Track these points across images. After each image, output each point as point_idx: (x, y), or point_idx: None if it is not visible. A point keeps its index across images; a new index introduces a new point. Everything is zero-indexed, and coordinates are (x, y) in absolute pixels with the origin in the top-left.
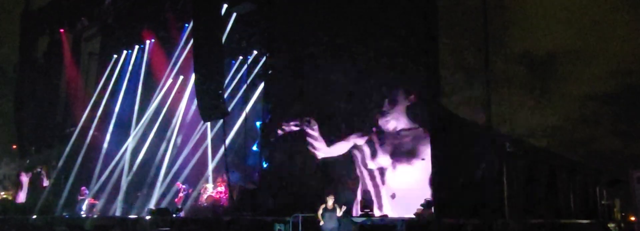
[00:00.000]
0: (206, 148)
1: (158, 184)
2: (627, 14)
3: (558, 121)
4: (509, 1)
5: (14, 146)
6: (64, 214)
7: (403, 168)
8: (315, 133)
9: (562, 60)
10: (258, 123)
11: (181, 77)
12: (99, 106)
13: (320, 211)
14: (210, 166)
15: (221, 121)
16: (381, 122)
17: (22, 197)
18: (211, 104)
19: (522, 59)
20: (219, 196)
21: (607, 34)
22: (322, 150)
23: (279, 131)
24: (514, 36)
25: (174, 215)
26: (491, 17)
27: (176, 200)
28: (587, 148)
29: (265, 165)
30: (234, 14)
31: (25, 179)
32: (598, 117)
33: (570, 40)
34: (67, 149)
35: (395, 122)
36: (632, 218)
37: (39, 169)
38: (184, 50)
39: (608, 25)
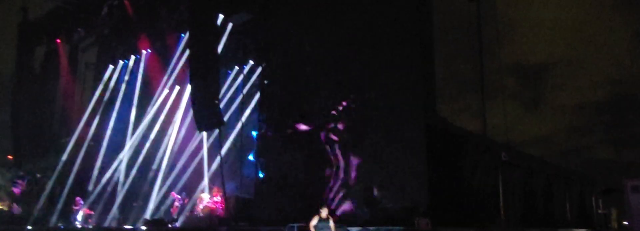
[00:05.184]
0: (202, 158)
1: (154, 194)
2: (616, 25)
3: (552, 131)
4: (501, 14)
5: (10, 157)
6: (59, 224)
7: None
8: None
9: (553, 70)
10: (254, 133)
11: (177, 87)
12: (95, 116)
13: (313, 222)
14: (206, 176)
15: (217, 131)
16: None
17: (16, 208)
18: (207, 114)
19: (515, 70)
20: (215, 206)
21: (597, 45)
22: None
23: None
24: (506, 47)
25: (170, 225)
26: (485, 29)
27: (172, 209)
28: (581, 156)
29: (261, 175)
30: (230, 24)
31: (17, 190)
32: (591, 126)
33: (561, 51)
34: (63, 159)
35: None
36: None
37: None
38: (180, 60)
39: (598, 36)
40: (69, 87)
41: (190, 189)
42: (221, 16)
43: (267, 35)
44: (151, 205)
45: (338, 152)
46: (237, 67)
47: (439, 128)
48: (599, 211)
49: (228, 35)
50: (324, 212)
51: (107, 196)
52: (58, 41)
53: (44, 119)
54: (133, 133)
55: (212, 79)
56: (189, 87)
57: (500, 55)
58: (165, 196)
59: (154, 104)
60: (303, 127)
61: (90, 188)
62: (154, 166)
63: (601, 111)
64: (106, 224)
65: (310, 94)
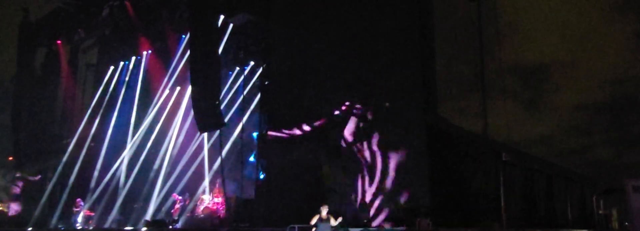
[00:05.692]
0: (203, 159)
1: (155, 195)
2: (616, 26)
3: (552, 131)
4: (501, 14)
5: (10, 158)
6: (60, 226)
7: None
8: None
9: (553, 71)
10: (255, 134)
11: (178, 88)
12: (96, 118)
13: (313, 222)
14: (207, 177)
15: (218, 131)
16: None
17: (14, 209)
18: (208, 115)
19: (515, 70)
20: (216, 207)
21: (597, 45)
22: None
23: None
24: (506, 48)
25: (170, 226)
26: (485, 29)
27: (173, 211)
28: (581, 156)
29: (261, 176)
30: (231, 25)
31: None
32: (591, 126)
33: (561, 51)
34: (64, 160)
35: None
36: None
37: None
38: (181, 61)
39: (598, 37)
40: (70, 88)
41: (191, 190)
42: (222, 17)
43: (267, 36)
44: (152, 206)
45: (339, 153)
46: (237, 68)
47: (439, 128)
48: (600, 211)
49: (229, 36)
50: (324, 212)
51: (107, 197)
52: (59, 41)
53: (45, 121)
54: (134, 134)
55: (213, 80)
56: (189, 88)
57: (500, 55)
58: (166, 197)
59: (154, 105)
60: (304, 128)
61: (90, 189)
62: (155, 167)
63: (601, 111)
64: (107, 225)
65: (312, 95)
